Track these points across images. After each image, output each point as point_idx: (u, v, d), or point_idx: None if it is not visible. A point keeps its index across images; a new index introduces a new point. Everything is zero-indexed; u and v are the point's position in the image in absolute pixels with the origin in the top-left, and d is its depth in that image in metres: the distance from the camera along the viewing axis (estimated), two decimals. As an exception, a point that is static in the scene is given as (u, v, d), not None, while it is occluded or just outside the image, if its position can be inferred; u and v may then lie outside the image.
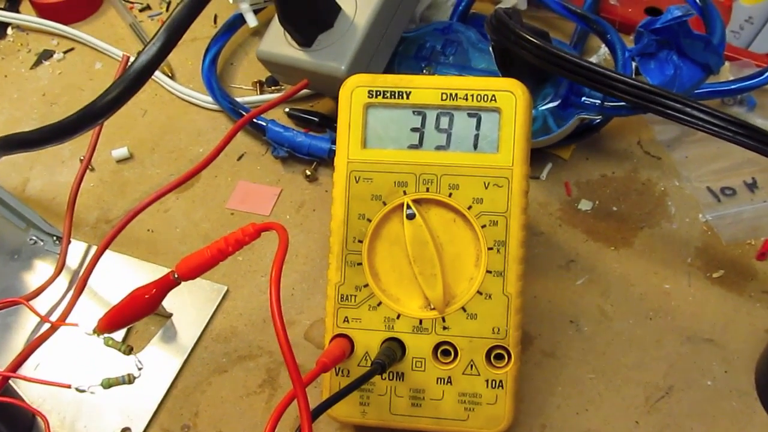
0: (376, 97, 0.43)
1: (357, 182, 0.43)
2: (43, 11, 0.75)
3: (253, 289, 0.53)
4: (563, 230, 0.55)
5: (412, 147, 0.43)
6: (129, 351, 0.41)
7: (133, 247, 0.57)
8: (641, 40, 0.51)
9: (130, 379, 0.40)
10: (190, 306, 0.53)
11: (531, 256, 0.53)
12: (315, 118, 0.62)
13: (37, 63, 0.72)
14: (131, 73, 0.45)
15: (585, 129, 0.57)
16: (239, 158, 0.61)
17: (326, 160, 0.59)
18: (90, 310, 0.52)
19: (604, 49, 0.65)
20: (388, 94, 0.43)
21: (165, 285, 0.40)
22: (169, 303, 0.52)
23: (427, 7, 0.64)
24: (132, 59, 0.47)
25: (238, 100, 0.64)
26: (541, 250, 0.54)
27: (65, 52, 0.72)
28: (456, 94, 0.43)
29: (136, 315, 0.41)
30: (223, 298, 0.53)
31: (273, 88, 0.66)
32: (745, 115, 0.61)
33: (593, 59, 0.66)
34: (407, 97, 0.43)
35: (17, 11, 0.77)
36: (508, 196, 0.42)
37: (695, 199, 0.56)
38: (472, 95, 0.42)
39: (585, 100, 0.53)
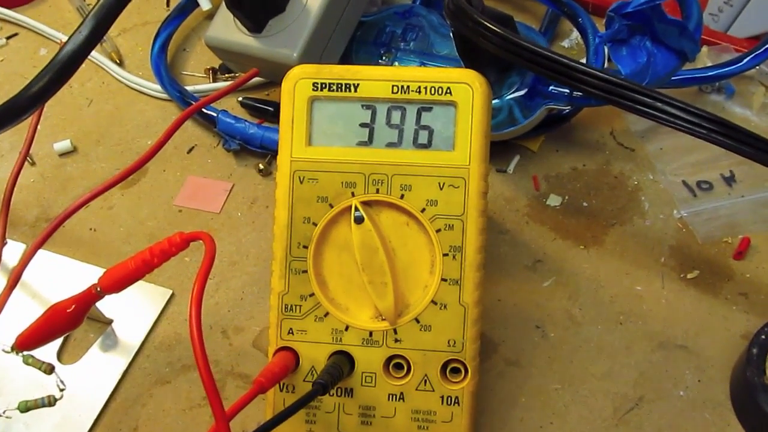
0: (322, 90, 0.40)
1: (301, 183, 0.40)
2: (-15, -6, 0.70)
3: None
4: (530, 228, 0.52)
5: (361, 144, 0.40)
6: (50, 370, 0.38)
7: (74, 247, 0.53)
8: (612, 26, 0.48)
9: (50, 401, 0.37)
10: (132, 311, 0.49)
11: (496, 256, 0.50)
12: (270, 108, 0.58)
13: (-22, 49, 0.67)
14: (56, 63, 0.42)
15: (555, 119, 0.54)
16: (189, 151, 0.58)
17: (281, 153, 0.56)
18: (24, 318, 0.48)
19: (576, 34, 0.62)
20: (335, 87, 0.40)
21: (87, 299, 0.37)
22: (109, 308, 0.49)
23: (389, -12, 0.60)
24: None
25: (189, 88, 0.61)
26: (506, 250, 0.51)
27: (8, 38, 0.68)
28: (408, 87, 0.39)
29: (56, 331, 0.38)
30: (168, 302, 0.50)
31: (226, 75, 0.62)
32: (724, 103, 0.58)
33: (565, 44, 0.63)
34: (355, 90, 0.39)
35: (-41, -7, 0.73)
36: (465, 197, 0.39)
37: (670, 194, 0.53)
38: (425, 88, 0.39)
39: (553, 90, 0.50)
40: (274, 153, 0.56)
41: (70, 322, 0.37)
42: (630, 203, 0.53)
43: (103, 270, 0.51)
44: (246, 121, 0.56)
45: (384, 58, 0.54)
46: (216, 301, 0.50)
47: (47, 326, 0.37)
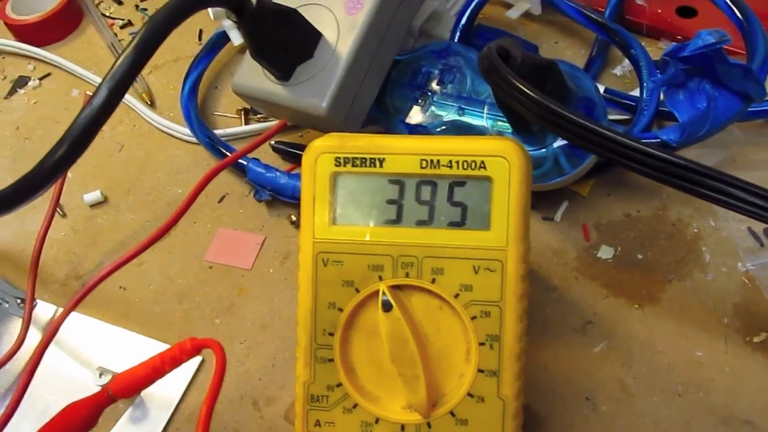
0: (345, 164, 0.37)
1: (325, 266, 0.37)
2: (19, 33, 0.70)
3: (230, 358, 0.48)
4: (580, 284, 0.48)
5: (388, 222, 0.37)
6: (66, 472, 0.36)
7: (103, 307, 0.52)
8: (667, 71, 0.43)
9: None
10: (162, 380, 0.47)
11: (542, 317, 0.47)
12: (302, 153, 0.55)
13: (12, 92, 0.67)
14: (69, 136, 0.39)
15: (606, 164, 0.50)
16: (220, 200, 0.56)
17: (313, 203, 0.53)
18: (54, 387, 0.47)
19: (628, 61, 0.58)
20: (359, 162, 0.37)
21: (99, 403, 0.35)
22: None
23: (426, 19, 0.57)
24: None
25: (220, 132, 0.58)
26: (553, 309, 0.47)
27: (41, 79, 0.67)
28: (438, 161, 0.36)
29: (70, 433, 0.36)
30: (198, 370, 0.48)
31: (258, 116, 0.60)
32: (794, 136, 0.53)
33: (617, 71, 0.58)
34: (381, 165, 0.36)
35: (-7, 32, 0.72)
36: (502, 282, 0.35)
37: (733, 244, 0.48)
38: (457, 162, 0.36)
39: (602, 138, 0.46)
40: (306, 203, 0.53)
41: (83, 426, 0.36)
42: (689, 255, 0.48)
43: (133, 334, 0.50)
44: (277, 170, 0.53)
45: (420, 101, 0.51)
46: (246, 368, 0.48)
47: (60, 428, 0.36)
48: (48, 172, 0.40)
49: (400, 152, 0.36)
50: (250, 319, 0.49)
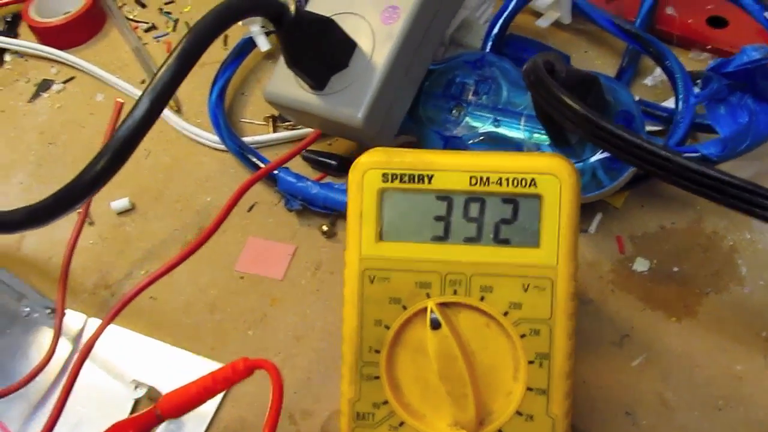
0: (393, 181, 0.36)
1: (372, 282, 0.37)
2: (42, 35, 0.69)
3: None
4: (616, 297, 0.48)
5: (436, 239, 0.36)
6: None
7: (134, 318, 0.51)
8: (710, 86, 0.43)
9: None
10: (196, 391, 0.47)
11: (579, 331, 0.46)
12: (333, 162, 0.55)
13: (36, 95, 0.66)
14: (109, 149, 0.39)
15: (642, 176, 0.50)
16: (250, 209, 0.55)
17: (344, 213, 0.52)
18: (83, 404, 0.47)
19: (660, 70, 0.57)
20: (407, 178, 0.36)
21: (147, 423, 0.35)
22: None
23: (457, 28, 0.56)
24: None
25: (248, 139, 0.58)
26: (590, 323, 0.47)
27: (65, 82, 0.67)
28: (488, 178, 0.36)
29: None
30: (232, 382, 0.47)
31: (287, 124, 0.60)
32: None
33: (648, 81, 0.58)
34: (429, 181, 0.36)
35: (16, 35, 0.71)
36: (552, 300, 0.35)
37: (770, 256, 0.48)
38: (507, 179, 0.35)
39: (641, 151, 0.46)
40: (337, 213, 0.53)
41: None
42: (725, 267, 0.48)
43: (165, 345, 0.50)
44: (308, 179, 0.53)
45: (454, 112, 0.51)
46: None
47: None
48: (89, 184, 0.40)
49: (449, 169, 0.36)
50: (283, 331, 0.49)
